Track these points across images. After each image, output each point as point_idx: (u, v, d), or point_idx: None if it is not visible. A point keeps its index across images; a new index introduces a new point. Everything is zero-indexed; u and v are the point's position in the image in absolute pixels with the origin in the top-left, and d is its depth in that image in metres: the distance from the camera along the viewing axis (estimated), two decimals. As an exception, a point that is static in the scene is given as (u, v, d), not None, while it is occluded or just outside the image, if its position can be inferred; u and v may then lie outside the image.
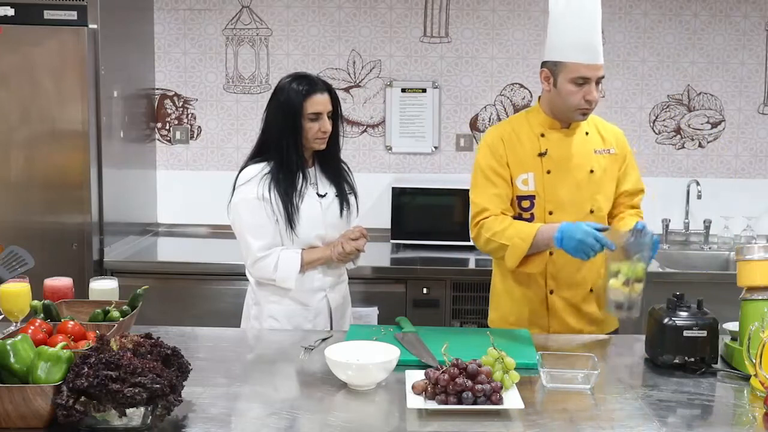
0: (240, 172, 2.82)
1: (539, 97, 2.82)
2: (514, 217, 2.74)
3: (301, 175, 2.77)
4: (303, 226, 2.76)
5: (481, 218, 2.73)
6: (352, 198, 2.92)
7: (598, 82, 2.65)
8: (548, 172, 2.73)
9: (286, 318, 2.81)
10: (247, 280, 2.90)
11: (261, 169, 2.76)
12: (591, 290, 2.79)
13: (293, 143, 2.74)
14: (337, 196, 2.86)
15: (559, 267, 2.75)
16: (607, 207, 2.81)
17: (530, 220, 2.74)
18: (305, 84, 2.75)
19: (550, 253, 2.72)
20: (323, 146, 2.79)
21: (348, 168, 2.94)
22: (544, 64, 2.73)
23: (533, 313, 2.80)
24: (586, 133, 2.78)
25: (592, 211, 2.74)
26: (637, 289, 2.45)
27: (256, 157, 2.82)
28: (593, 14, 2.67)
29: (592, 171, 2.75)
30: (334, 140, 2.83)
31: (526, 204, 2.75)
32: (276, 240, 2.76)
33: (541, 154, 2.73)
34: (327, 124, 2.76)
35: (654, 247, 2.51)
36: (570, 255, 2.55)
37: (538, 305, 2.79)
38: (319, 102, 2.74)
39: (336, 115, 2.81)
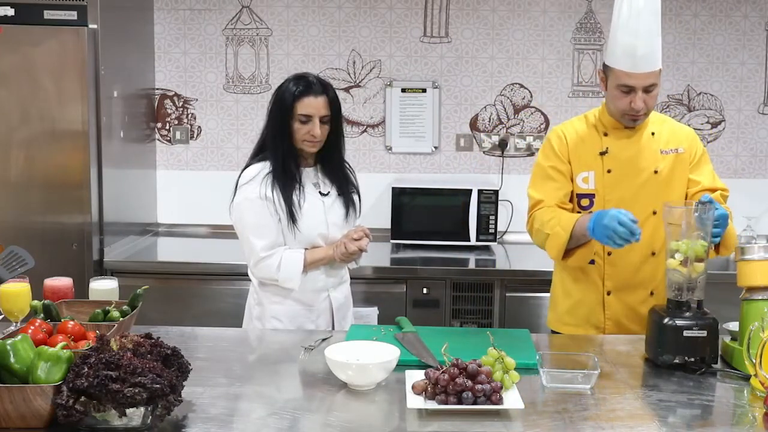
0: (242, 171, 2.82)
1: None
2: (578, 211, 2.72)
3: (299, 174, 2.77)
4: (305, 224, 2.76)
5: (534, 210, 2.74)
6: (355, 197, 2.90)
7: (647, 90, 2.61)
8: (609, 171, 2.72)
9: (288, 318, 2.81)
10: (248, 280, 2.90)
11: (262, 168, 2.76)
12: (652, 293, 2.73)
13: (284, 143, 2.74)
14: (339, 195, 2.85)
15: (617, 268, 2.72)
16: None
17: None
18: (301, 85, 2.73)
19: (609, 254, 2.71)
20: (313, 149, 2.77)
21: (351, 168, 2.93)
22: (602, 67, 2.72)
23: (590, 314, 2.77)
24: (652, 133, 2.74)
25: (654, 213, 2.69)
26: (697, 269, 2.31)
27: (257, 156, 2.82)
28: (646, 22, 2.58)
29: (656, 171, 2.71)
30: (334, 143, 2.81)
31: (585, 202, 2.74)
32: (279, 239, 2.76)
33: (602, 153, 2.72)
34: (317, 129, 2.71)
35: (722, 224, 2.41)
36: (602, 244, 2.51)
37: (595, 306, 2.76)
38: (311, 105, 2.71)
39: (335, 119, 2.78)
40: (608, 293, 2.75)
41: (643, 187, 2.71)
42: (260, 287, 2.84)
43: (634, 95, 2.61)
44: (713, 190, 2.71)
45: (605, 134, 2.75)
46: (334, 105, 2.76)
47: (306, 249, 2.78)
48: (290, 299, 2.81)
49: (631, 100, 2.61)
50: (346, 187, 2.87)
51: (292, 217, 2.73)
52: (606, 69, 2.68)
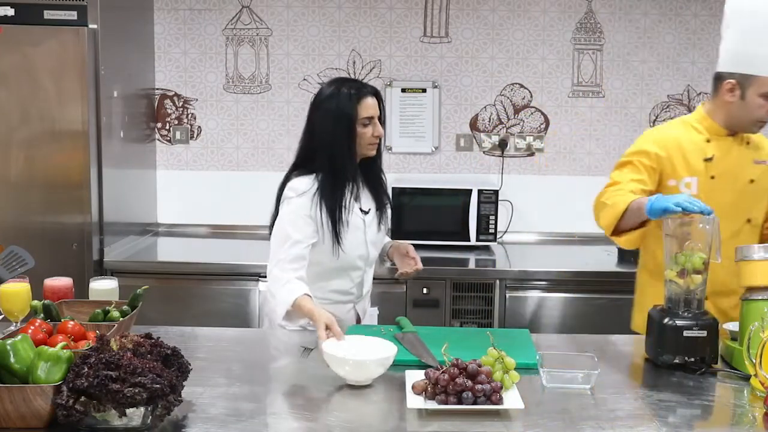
0: (287, 181, 2.69)
1: (703, 104, 2.84)
2: None
3: (349, 187, 2.66)
4: (347, 246, 2.67)
5: (608, 187, 2.76)
6: (388, 210, 2.84)
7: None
8: (712, 177, 2.74)
9: (312, 329, 2.74)
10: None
11: (312, 182, 2.63)
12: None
13: (347, 151, 2.61)
14: (377, 210, 2.77)
15: (713, 273, 2.61)
16: (762, 217, 2.80)
17: None
18: (353, 88, 2.64)
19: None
20: (374, 152, 2.69)
21: (385, 178, 2.83)
22: (730, 75, 2.69)
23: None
24: (747, 143, 2.79)
25: (749, 220, 2.74)
26: (695, 281, 2.31)
27: (301, 167, 2.69)
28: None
29: (752, 181, 2.76)
30: (378, 148, 2.72)
31: None
32: (306, 260, 2.61)
33: (707, 159, 2.74)
34: (379, 128, 2.65)
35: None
36: (656, 216, 2.46)
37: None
38: (370, 105, 2.63)
39: (382, 120, 2.71)
40: (706, 298, 2.71)
41: (741, 196, 2.75)
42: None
43: None
44: None
45: (708, 141, 2.77)
46: (381, 104, 2.70)
47: (306, 294, 2.53)
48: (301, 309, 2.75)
49: None
50: (383, 202, 2.79)
51: (337, 239, 2.63)
52: (745, 79, 2.65)
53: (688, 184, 2.74)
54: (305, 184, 2.64)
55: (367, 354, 2.18)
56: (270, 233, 2.71)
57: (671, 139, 2.79)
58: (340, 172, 2.63)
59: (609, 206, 2.66)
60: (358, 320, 2.83)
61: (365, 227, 2.73)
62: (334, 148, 2.61)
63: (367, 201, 2.76)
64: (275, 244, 2.64)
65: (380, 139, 2.69)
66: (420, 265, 2.79)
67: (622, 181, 2.74)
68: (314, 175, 2.64)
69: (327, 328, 2.33)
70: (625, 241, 2.71)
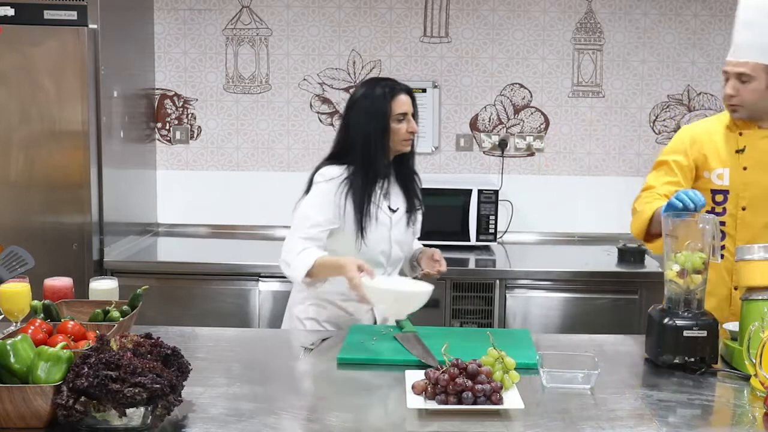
0: (317, 170, 2.75)
1: None
2: (707, 212, 2.72)
3: (380, 183, 2.72)
4: (370, 240, 2.70)
5: (642, 191, 2.85)
6: (419, 214, 2.87)
7: (741, 80, 2.67)
8: (744, 168, 2.76)
9: (330, 324, 2.78)
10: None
11: (342, 172, 2.70)
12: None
13: (381, 147, 2.69)
14: (406, 211, 2.81)
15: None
16: None
17: (721, 214, 2.77)
18: (387, 86, 2.72)
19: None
20: (408, 148, 2.75)
21: (419, 179, 2.88)
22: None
23: (716, 307, 2.74)
24: None
25: None
26: (695, 281, 2.30)
27: (335, 159, 2.75)
28: (745, 15, 2.68)
29: None
30: (411, 147, 2.78)
31: (719, 198, 2.79)
32: (323, 243, 2.68)
33: (738, 151, 2.77)
34: (413, 123, 2.73)
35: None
36: (666, 213, 2.50)
37: (722, 299, 2.78)
38: (404, 102, 2.71)
39: (416, 118, 2.77)
40: (735, 288, 2.76)
41: None
42: (308, 287, 2.77)
43: (727, 82, 2.69)
44: None
45: (740, 134, 2.79)
46: (414, 102, 2.77)
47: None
48: (334, 306, 2.78)
49: (726, 86, 2.71)
50: (413, 203, 2.83)
51: (362, 232, 2.68)
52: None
53: (720, 176, 2.78)
54: (335, 172, 2.71)
55: (407, 287, 2.28)
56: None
57: (704, 132, 2.84)
58: (373, 166, 2.70)
59: (638, 213, 2.75)
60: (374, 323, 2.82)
61: (391, 225, 2.77)
62: (369, 144, 2.69)
63: (396, 200, 2.81)
64: (294, 224, 2.70)
65: (414, 137, 2.76)
66: (443, 267, 2.80)
67: (656, 185, 2.81)
68: (346, 165, 2.71)
69: (359, 269, 2.44)
70: (655, 247, 2.75)
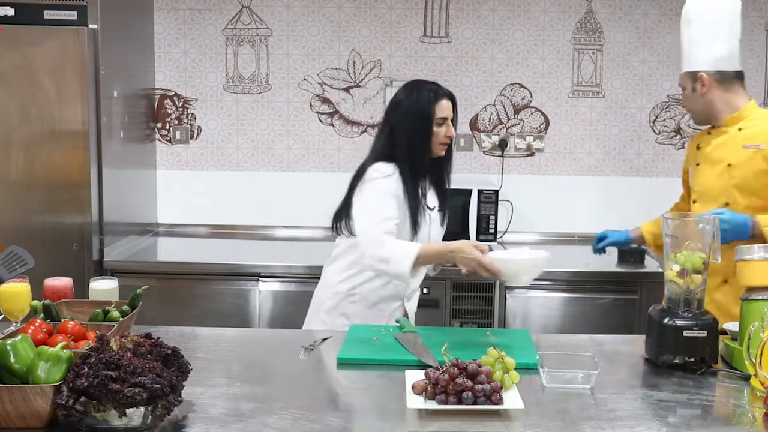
0: (365, 167, 2.76)
1: None
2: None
3: (423, 182, 2.78)
4: (420, 237, 2.77)
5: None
6: (446, 213, 2.94)
7: (683, 88, 2.96)
8: (698, 164, 2.98)
9: (361, 320, 2.80)
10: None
11: (395, 169, 2.74)
12: (726, 281, 2.80)
13: (424, 148, 2.75)
14: (439, 210, 2.88)
15: None
16: (749, 202, 2.81)
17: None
18: (431, 90, 2.77)
19: None
20: (443, 152, 2.80)
21: (449, 182, 2.94)
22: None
23: None
24: (740, 129, 2.90)
25: (727, 204, 2.83)
26: (695, 281, 2.31)
27: (379, 158, 2.78)
28: (691, 23, 2.93)
29: (729, 165, 2.86)
30: (448, 150, 2.84)
31: (693, 196, 3.04)
32: (395, 234, 2.69)
33: (697, 148, 3.01)
34: (452, 130, 2.77)
35: (723, 236, 2.48)
36: None
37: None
38: (446, 107, 2.76)
39: (455, 123, 2.83)
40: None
41: (717, 179, 2.88)
42: (340, 282, 2.82)
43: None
44: None
45: (708, 133, 2.99)
46: (455, 108, 2.82)
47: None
48: (364, 302, 2.81)
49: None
50: (445, 204, 2.90)
51: (415, 227, 2.74)
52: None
53: (690, 174, 3.05)
54: (390, 169, 2.74)
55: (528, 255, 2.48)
56: (337, 225, 2.83)
57: (693, 138, 3.12)
58: (418, 166, 2.75)
59: None
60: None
61: (430, 222, 2.84)
62: (413, 144, 2.74)
63: (431, 199, 2.86)
64: (364, 219, 2.70)
65: (451, 141, 2.81)
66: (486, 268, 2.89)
67: (680, 200, 3.22)
68: (394, 163, 2.75)
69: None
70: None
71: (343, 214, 2.82)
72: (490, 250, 2.53)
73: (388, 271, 2.63)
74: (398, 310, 2.87)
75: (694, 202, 2.97)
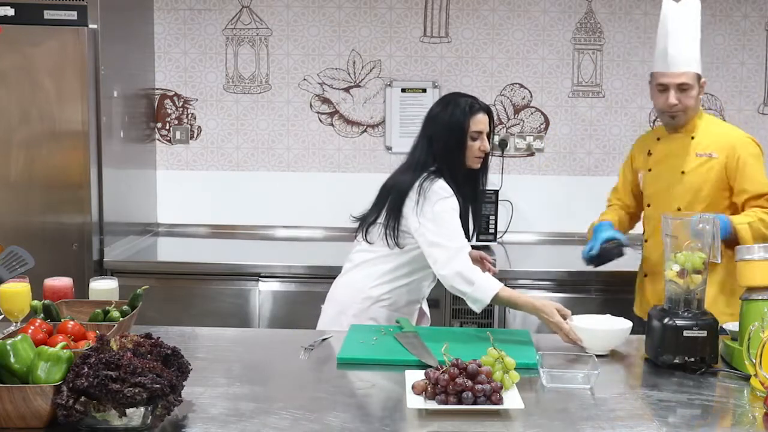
0: (426, 183, 2.72)
1: None
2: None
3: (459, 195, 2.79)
4: None
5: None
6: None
7: (682, 89, 2.91)
8: (649, 170, 3.10)
9: (386, 321, 2.80)
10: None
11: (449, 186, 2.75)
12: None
13: (460, 160, 2.76)
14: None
15: (649, 254, 3.14)
16: (701, 208, 2.88)
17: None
18: (467, 104, 2.78)
19: (646, 240, 3.17)
20: (478, 165, 2.81)
21: (482, 196, 2.99)
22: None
23: (637, 293, 3.26)
24: (692, 137, 2.99)
25: (679, 209, 2.93)
26: (695, 281, 2.31)
27: (421, 170, 2.77)
28: (676, 27, 2.91)
29: (683, 172, 2.99)
30: (484, 163, 2.85)
31: (645, 200, 3.17)
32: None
33: (648, 154, 3.10)
34: (486, 144, 2.78)
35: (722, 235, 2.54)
36: None
37: (637, 288, 3.25)
38: (481, 121, 2.77)
39: (491, 137, 2.84)
40: (645, 276, 3.15)
41: (670, 186, 3.03)
42: (372, 288, 2.79)
43: (669, 93, 2.91)
44: (760, 196, 2.91)
45: (658, 139, 3.10)
46: (492, 122, 2.83)
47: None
48: (393, 306, 2.81)
49: (667, 97, 2.92)
50: (479, 213, 2.95)
51: (467, 236, 2.76)
52: (651, 77, 3.02)
53: (640, 178, 3.16)
54: (448, 188, 2.73)
55: (604, 326, 2.48)
56: (363, 230, 2.83)
57: (639, 142, 3.25)
58: (456, 178, 2.76)
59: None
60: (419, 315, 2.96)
61: None
62: (450, 158, 2.75)
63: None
64: (448, 233, 2.68)
65: (487, 155, 2.82)
66: (495, 269, 3.02)
67: (610, 197, 3.34)
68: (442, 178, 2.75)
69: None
70: None
71: (382, 222, 2.78)
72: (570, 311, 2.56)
73: (466, 292, 2.61)
74: (417, 311, 2.93)
75: (648, 206, 3.10)
